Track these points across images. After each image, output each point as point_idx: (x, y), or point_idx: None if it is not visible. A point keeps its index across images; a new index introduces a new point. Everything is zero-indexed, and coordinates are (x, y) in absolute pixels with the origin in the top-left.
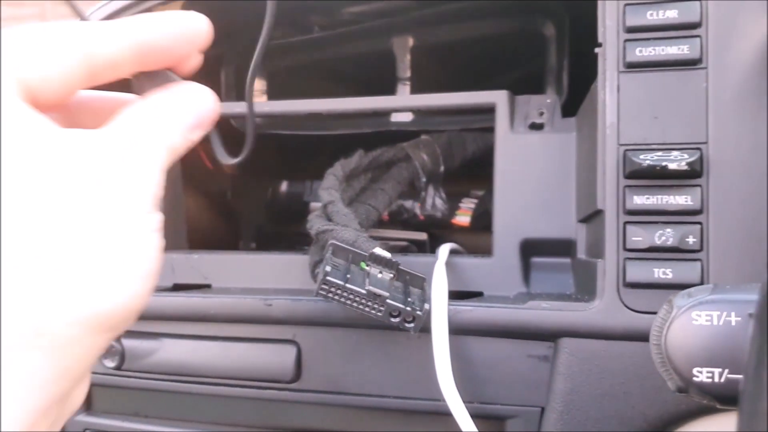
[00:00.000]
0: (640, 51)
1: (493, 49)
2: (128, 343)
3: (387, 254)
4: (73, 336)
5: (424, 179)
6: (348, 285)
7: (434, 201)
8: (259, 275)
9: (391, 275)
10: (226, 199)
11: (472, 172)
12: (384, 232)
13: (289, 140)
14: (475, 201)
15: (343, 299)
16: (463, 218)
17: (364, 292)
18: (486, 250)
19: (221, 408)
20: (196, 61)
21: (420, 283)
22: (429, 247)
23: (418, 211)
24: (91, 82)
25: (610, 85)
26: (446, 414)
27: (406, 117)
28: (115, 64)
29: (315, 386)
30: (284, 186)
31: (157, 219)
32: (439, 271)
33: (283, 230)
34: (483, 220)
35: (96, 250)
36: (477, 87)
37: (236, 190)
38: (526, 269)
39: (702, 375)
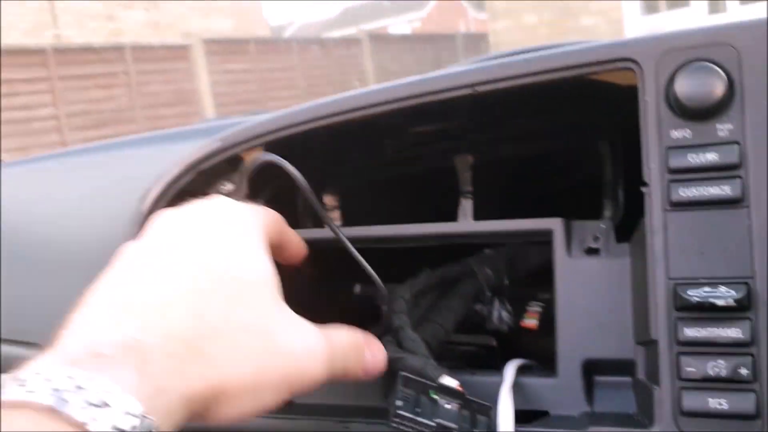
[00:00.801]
0: (684, 191)
1: (552, 162)
2: None
3: (454, 383)
4: None
5: (489, 294)
6: (418, 418)
7: (500, 314)
8: (336, 390)
9: (459, 404)
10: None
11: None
12: (453, 337)
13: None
14: (542, 305)
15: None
16: (530, 321)
17: (433, 425)
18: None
19: None
20: None
21: (486, 411)
22: (498, 352)
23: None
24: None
25: (656, 223)
26: None
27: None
28: None
29: None
30: (357, 289)
31: None
32: (505, 398)
33: None
34: (550, 324)
35: None
36: (538, 196)
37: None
38: (590, 388)
39: None
